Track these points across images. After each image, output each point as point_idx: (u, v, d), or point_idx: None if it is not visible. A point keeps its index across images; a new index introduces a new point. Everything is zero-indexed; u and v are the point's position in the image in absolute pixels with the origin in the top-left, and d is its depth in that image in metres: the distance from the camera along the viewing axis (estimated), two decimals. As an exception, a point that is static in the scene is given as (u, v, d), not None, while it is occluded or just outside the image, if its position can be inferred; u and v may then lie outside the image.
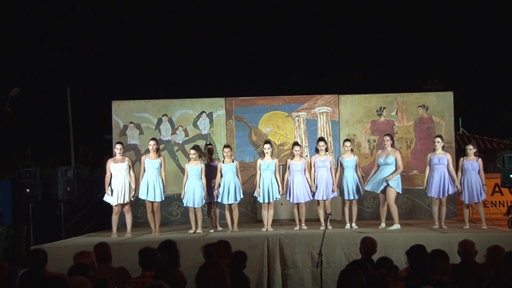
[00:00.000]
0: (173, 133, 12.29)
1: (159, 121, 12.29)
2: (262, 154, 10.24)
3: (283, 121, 12.32)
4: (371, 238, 6.37)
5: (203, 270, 3.65)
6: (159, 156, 9.92)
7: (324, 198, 9.95)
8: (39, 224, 11.57)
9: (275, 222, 10.43)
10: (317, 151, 10.15)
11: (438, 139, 9.87)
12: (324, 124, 12.23)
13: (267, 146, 9.95)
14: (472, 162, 9.84)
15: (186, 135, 12.30)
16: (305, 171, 9.98)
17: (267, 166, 9.85)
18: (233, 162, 10.00)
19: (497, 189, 12.78)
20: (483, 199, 10.00)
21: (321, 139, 10.29)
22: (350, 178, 9.97)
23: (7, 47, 23.74)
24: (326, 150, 10.17)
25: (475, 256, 5.74)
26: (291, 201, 10.06)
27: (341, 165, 10.08)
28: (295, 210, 10.07)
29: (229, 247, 5.72)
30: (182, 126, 12.28)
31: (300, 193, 9.90)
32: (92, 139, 19.90)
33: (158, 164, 9.81)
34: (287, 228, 10.00)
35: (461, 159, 9.93)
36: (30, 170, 11.61)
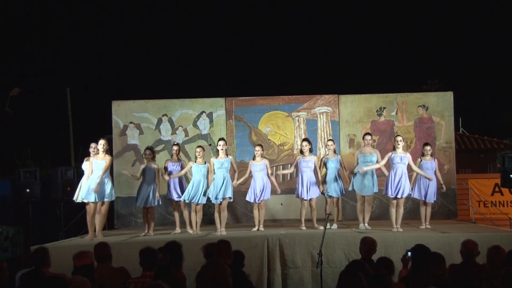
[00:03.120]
0: (173, 133, 12.28)
1: (159, 121, 12.29)
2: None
3: (283, 121, 12.31)
4: (371, 238, 6.36)
5: (205, 270, 3.63)
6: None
7: (309, 198, 9.91)
8: (39, 224, 11.56)
9: (276, 222, 10.44)
10: (301, 152, 10.11)
11: (400, 138, 9.76)
12: (324, 124, 12.23)
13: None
14: (430, 162, 9.95)
15: (186, 135, 12.30)
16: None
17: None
18: (227, 157, 9.81)
19: (497, 189, 12.79)
20: (434, 200, 10.04)
21: (305, 139, 10.24)
22: (333, 177, 9.93)
23: (7, 47, 23.75)
24: (310, 150, 10.10)
25: (476, 256, 5.74)
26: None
27: (325, 165, 10.08)
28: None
29: (230, 247, 5.72)
30: (182, 126, 12.28)
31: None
32: (92, 139, 19.88)
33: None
34: (287, 228, 9.99)
35: (419, 159, 9.95)
36: (30, 170, 11.62)
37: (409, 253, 5.54)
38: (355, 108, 12.22)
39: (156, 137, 12.24)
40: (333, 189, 9.95)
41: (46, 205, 11.85)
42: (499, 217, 12.23)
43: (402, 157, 9.58)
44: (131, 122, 12.26)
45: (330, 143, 10.14)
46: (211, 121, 12.29)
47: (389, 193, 9.51)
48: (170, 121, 12.30)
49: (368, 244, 6.24)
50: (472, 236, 6.66)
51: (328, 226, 9.68)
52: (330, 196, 10.00)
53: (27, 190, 11.23)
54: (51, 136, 20.24)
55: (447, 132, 12.08)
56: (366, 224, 9.88)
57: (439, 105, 12.17)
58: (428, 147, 10.04)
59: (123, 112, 12.31)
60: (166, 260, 5.54)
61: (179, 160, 10.28)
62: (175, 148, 10.32)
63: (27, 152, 17.16)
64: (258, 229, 9.70)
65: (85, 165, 9.82)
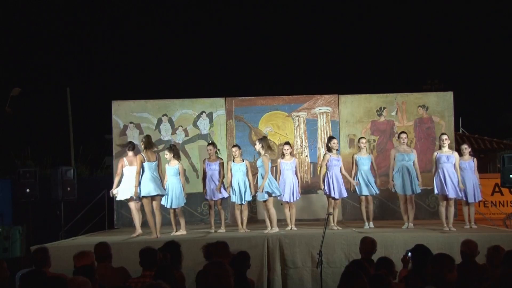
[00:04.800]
0: (173, 133, 12.28)
1: (159, 121, 12.30)
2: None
3: (283, 121, 12.31)
4: (370, 238, 6.37)
5: (208, 270, 3.62)
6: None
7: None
8: (39, 224, 11.56)
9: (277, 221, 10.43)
10: (329, 150, 10.04)
11: (446, 136, 9.79)
12: (324, 124, 12.23)
13: (287, 147, 9.91)
14: (469, 162, 9.92)
15: (186, 135, 12.30)
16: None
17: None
18: (243, 161, 10.01)
19: (497, 189, 12.76)
20: (479, 199, 10.07)
21: (334, 137, 10.25)
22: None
23: (7, 47, 23.76)
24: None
25: (476, 256, 5.75)
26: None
27: (356, 163, 10.08)
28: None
29: (227, 248, 5.72)
30: (182, 126, 12.28)
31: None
32: (92, 139, 19.93)
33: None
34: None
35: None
36: (30, 170, 11.61)
37: (409, 254, 5.55)
38: (355, 108, 12.22)
39: (156, 137, 12.22)
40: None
41: (46, 205, 11.84)
42: (499, 217, 12.21)
43: (448, 157, 9.57)
44: (131, 122, 12.26)
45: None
46: (211, 121, 12.29)
47: (450, 194, 9.45)
48: (170, 121, 12.30)
49: (368, 244, 6.26)
50: (472, 236, 6.66)
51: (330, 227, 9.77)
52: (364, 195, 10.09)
53: (27, 190, 11.22)
54: (51, 136, 20.25)
55: (447, 132, 12.04)
56: (411, 224, 9.89)
57: (439, 105, 12.17)
58: (465, 146, 10.05)
59: (123, 112, 12.30)
60: (166, 260, 5.55)
61: (217, 158, 10.22)
62: (211, 148, 10.21)
63: (27, 152, 17.16)
64: (291, 228, 9.70)
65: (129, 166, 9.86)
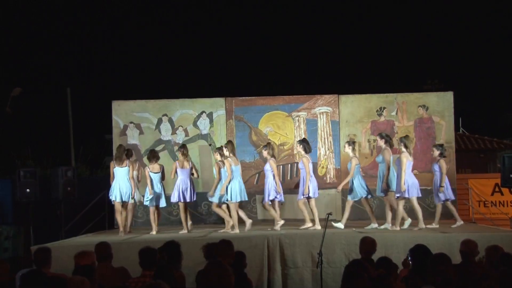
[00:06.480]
0: (173, 133, 12.28)
1: (159, 121, 12.30)
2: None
3: (283, 121, 12.31)
4: (370, 238, 6.38)
5: (208, 269, 3.62)
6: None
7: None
8: (39, 224, 11.56)
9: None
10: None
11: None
12: (324, 124, 12.22)
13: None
14: (434, 164, 10.19)
15: (186, 135, 12.30)
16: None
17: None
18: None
19: (497, 189, 12.78)
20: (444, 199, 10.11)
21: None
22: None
23: (7, 47, 23.77)
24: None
25: (476, 256, 5.76)
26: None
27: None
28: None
29: (231, 247, 5.71)
30: (182, 126, 12.28)
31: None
32: (92, 139, 19.94)
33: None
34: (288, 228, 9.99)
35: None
36: (30, 170, 11.61)
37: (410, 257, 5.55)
38: (355, 108, 12.22)
39: (156, 137, 12.25)
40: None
41: (46, 205, 11.85)
42: (499, 217, 12.22)
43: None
44: (131, 122, 12.26)
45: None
46: (211, 121, 12.29)
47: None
48: (170, 121, 12.30)
49: (368, 244, 6.26)
50: (472, 236, 6.66)
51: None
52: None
53: (27, 190, 11.22)
54: (51, 136, 20.26)
55: (447, 132, 12.07)
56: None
57: (439, 105, 12.16)
58: (434, 149, 10.31)
59: (123, 112, 12.31)
60: (164, 260, 5.54)
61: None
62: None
63: (27, 152, 17.16)
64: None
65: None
